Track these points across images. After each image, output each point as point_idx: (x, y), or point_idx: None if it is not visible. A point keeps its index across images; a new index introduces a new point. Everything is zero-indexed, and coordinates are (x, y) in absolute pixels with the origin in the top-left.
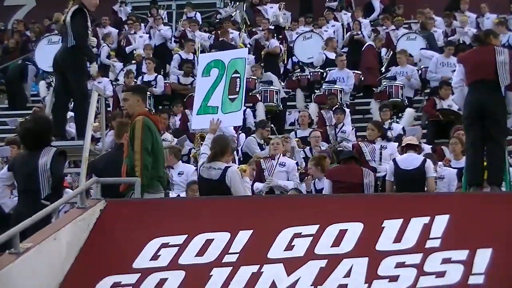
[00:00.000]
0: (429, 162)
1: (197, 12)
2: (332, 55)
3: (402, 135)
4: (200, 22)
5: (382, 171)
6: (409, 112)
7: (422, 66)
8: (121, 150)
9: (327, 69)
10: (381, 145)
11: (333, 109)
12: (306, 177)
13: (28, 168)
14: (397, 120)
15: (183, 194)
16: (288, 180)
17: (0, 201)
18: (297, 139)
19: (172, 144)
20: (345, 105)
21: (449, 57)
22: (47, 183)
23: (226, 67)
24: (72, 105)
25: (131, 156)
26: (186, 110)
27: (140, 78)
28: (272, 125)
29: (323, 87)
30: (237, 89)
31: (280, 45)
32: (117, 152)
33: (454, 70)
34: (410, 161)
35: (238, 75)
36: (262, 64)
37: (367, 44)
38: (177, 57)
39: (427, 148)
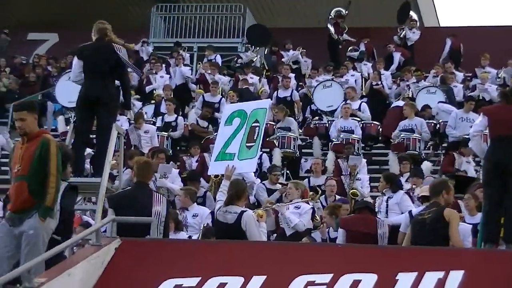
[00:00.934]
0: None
1: (218, 55)
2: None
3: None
4: (220, 65)
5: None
6: (426, 165)
7: (440, 120)
8: (142, 188)
9: (335, 118)
10: (388, 197)
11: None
12: (321, 225)
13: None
14: None
15: (195, 236)
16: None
17: None
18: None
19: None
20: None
21: (469, 113)
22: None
23: (248, 116)
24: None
25: (37, 175)
26: (205, 153)
27: (160, 118)
28: (287, 171)
29: (340, 136)
30: (255, 137)
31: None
32: (138, 190)
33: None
34: None
35: (258, 124)
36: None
37: (395, 105)
38: (200, 98)
39: None
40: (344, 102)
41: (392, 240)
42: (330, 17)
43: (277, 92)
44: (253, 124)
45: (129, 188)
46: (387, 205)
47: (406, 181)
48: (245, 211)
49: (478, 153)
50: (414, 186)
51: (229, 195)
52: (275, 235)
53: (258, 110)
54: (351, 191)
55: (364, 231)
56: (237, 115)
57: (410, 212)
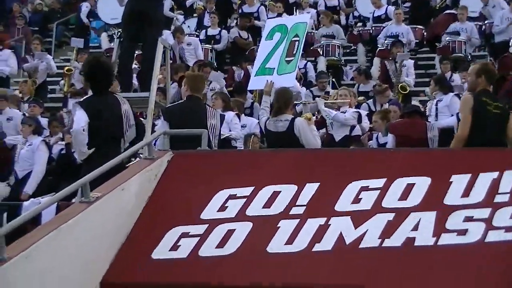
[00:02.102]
0: None
1: None
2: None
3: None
4: None
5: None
6: None
7: (486, 22)
8: (196, 102)
9: (387, 23)
10: (437, 100)
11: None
12: (363, 136)
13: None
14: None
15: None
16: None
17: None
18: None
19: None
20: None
21: None
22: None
23: (288, 31)
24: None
25: None
26: (248, 66)
27: (203, 32)
28: (333, 79)
29: (386, 41)
30: (294, 52)
31: None
32: (192, 103)
33: None
34: None
35: (298, 38)
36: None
37: (447, 12)
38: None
39: None
40: (395, 7)
41: (442, 143)
42: None
43: (325, 1)
44: (293, 39)
45: (182, 101)
46: (436, 108)
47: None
48: (296, 117)
49: None
50: (464, 80)
51: (276, 105)
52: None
53: (299, 24)
54: (399, 85)
55: (413, 135)
56: (278, 30)
57: (457, 114)
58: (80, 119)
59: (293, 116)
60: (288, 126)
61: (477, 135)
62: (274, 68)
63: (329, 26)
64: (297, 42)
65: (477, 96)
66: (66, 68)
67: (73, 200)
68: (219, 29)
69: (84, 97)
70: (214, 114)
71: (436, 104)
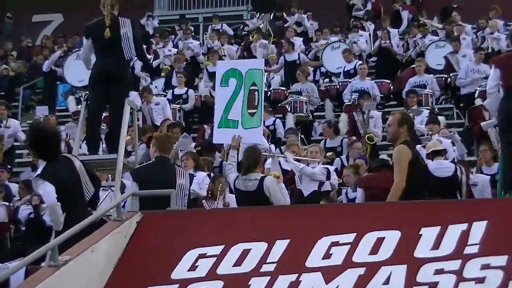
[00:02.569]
0: (462, 170)
1: (224, 24)
2: (350, 66)
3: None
4: (231, 34)
5: None
6: (441, 120)
7: (451, 74)
8: (165, 162)
9: (353, 79)
10: None
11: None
12: (332, 192)
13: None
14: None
15: None
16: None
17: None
18: (331, 152)
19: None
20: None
21: (480, 64)
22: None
23: (243, 78)
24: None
25: None
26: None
27: (170, 91)
28: (302, 136)
29: (352, 97)
30: (256, 103)
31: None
32: (161, 164)
33: (485, 77)
34: (443, 168)
35: (256, 87)
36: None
37: (412, 66)
38: (205, 71)
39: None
40: (360, 62)
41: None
42: None
43: (284, 57)
44: (251, 88)
45: (151, 162)
46: None
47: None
48: (265, 176)
49: (493, 111)
50: (430, 132)
51: (246, 163)
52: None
53: (254, 71)
54: (366, 136)
55: (383, 187)
56: (232, 75)
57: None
58: (49, 192)
59: (262, 175)
60: (258, 185)
61: (412, 186)
62: (238, 121)
63: (304, 82)
64: (256, 92)
65: (411, 147)
66: None
67: (42, 264)
68: (186, 88)
69: (40, 169)
70: (183, 174)
71: None
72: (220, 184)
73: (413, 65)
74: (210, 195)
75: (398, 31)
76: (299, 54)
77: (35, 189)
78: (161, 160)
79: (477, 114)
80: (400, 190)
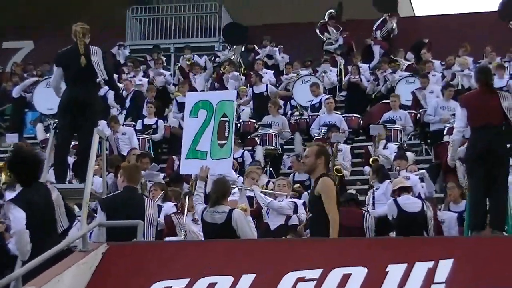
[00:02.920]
0: (429, 211)
1: (195, 55)
2: (316, 100)
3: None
4: (203, 65)
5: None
6: (408, 156)
7: (421, 110)
8: (133, 192)
9: (320, 112)
10: (375, 188)
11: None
12: (299, 226)
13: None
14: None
15: None
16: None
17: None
18: (298, 185)
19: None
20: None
21: (449, 100)
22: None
23: (214, 109)
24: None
25: None
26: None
27: (140, 121)
28: (270, 169)
29: (322, 131)
30: (226, 135)
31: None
32: (129, 194)
33: (453, 114)
34: (411, 204)
35: (227, 119)
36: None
37: (382, 101)
38: (174, 101)
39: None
40: (327, 96)
41: (379, 231)
42: (322, 21)
43: (253, 89)
44: (222, 119)
45: (119, 192)
46: (373, 196)
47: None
48: (233, 209)
49: (455, 149)
50: (398, 168)
51: (214, 195)
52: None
53: (225, 102)
54: (334, 167)
55: (350, 225)
56: (202, 107)
57: (395, 201)
58: (19, 217)
59: (230, 208)
60: (226, 218)
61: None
62: (207, 152)
63: (275, 115)
64: (227, 123)
65: (333, 179)
66: (1, 164)
67: None
68: (156, 119)
69: (16, 193)
70: (152, 204)
71: (373, 193)
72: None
73: (384, 101)
74: (179, 211)
75: (369, 66)
76: (267, 85)
77: (6, 213)
78: (130, 190)
79: (443, 150)
80: (338, 224)
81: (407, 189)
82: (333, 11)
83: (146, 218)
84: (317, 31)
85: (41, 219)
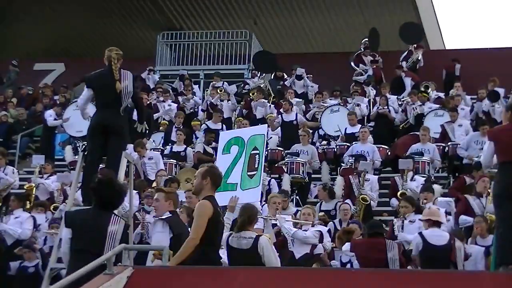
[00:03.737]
0: (458, 242)
1: (225, 82)
2: (352, 130)
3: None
4: (230, 93)
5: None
6: (436, 188)
7: (449, 143)
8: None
9: (353, 143)
10: (409, 220)
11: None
12: (322, 254)
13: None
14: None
15: None
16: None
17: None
18: (322, 213)
19: None
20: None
21: (484, 136)
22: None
23: (245, 144)
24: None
25: None
26: None
27: (169, 147)
28: (297, 197)
29: (349, 160)
30: (256, 166)
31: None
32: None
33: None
34: (438, 237)
35: (258, 151)
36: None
37: (411, 133)
38: (204, 127)
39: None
40: (361, 126)
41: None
42: (358, 51)
43: (282, 117)
44: (252, 152)
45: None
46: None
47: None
48: (260, 235)
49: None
50: (425, 201)
51: (241, 220)
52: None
53: (256, 136)
54: (360, 196)
55: (373, 256)
56: (235, 143)
57: (421, 234)
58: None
59: (257, 234)
60: (253, 243)
61: (211, 244)
62: (237, 184)
63: (305, 144)
64: (257, 155)
65: (214, 203)
66: (27, 185)
67: None
68: (185, 146)
69: (75, 209)
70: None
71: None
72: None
73: (412, 132)
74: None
75: (397, 97)
76: (296, 114)
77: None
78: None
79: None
80: (192, 247)
81: (437, 224)
82: (367, 40)
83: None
84: (352, 63)
85: (86, 243)
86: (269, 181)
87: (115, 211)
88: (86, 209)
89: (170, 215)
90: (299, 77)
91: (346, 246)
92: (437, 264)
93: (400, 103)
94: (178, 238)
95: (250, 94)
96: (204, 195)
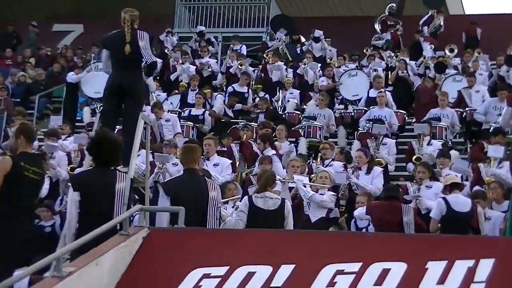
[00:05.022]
0: (480, 209)
1: (243, 45)
2: (375, 94)
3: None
4: (245, 55)
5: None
6: (453, 154)
7: (466, 108)
8: (193, 174)
9: (370, 107)
10: (426, 185)
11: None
12: (341, 219)
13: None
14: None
15: None
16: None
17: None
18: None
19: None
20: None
21: (503, 102)
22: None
23: None
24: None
25: None
26: (232, 144)
27: (187, 110)
28: (314, 161)
29: (366, 125)
30: None
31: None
32: (190, 176)
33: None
34: (461, 203)
35: None
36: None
37: (419, 83)
38: (230, 89)
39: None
40: (378, 91)
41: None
42: (382, 15)
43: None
44: None
45: (180, 175)
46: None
47: None
48: (284, 198)
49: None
50: (441, 166)
51: (262, 183)
52: None
53: None
54: (376, 160)
55: (388, 219)
56: None
57: (445, 199)
58: (71, 199)
59: (282, 197)
60: (280, 205)
61: (10, 199)
62: None
63: (323, 108)
64: None
65: (16, 160)
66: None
67: (46, 274)
68: (203, 109)
69: (79, 171)
70: (215, 186)
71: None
72: (230, 191)
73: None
74: None
75: (415, 63)
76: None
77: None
78: (190, 172)
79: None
80: None
81: (458, 186)
82: (394, 5)
83: (209, 200)
84: (377, 26)
85: (96, 206)
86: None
87: (119, 168)
88: (90, 170)
89: None
90: (317, 39)
91: (361, 210)
92: (457, 230)
93: (419, 63)
94: None
95: (265, 57)
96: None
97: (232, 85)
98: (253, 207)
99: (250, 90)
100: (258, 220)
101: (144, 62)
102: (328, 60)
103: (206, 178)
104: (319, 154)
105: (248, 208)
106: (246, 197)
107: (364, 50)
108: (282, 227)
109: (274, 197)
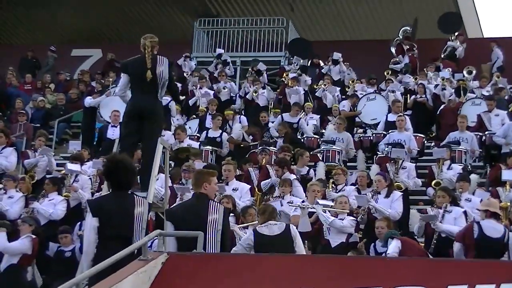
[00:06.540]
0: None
1: (262, 64)
2: (394, 118)
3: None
4: (266, 81)
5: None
6: (473, 178)
7: (486, 132)
8: (200, 199)
9: (389, 131)
10: (445, 210)
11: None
12: (360, 244)
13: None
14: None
15: None
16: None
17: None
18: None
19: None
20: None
21: None
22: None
23: None
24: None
25: None
26: (250, 168)
27: (204, 133)
28: (333, 186)
29: (385, 149)
30: None
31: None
32: (196, 201)
33: None
34: (494, 228)
35: None
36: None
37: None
38: (279, 118)
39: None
40: (398, 114)
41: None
42: (396, 38)
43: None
44: None
45: (106, 194)
46: (443, 216)
47: None
48: (289, 224)
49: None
50: (461, 190)
51: (265, 216)
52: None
53: None
54: (395, 184)
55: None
56: None
57: (478, 223)
58: (89, 224)
59: (285, 223)
60: (285, 228)
61: None
62: None
63: (341, 132)
64: None
65: None
66: (63, 171)
67: None
68: (220, 131)
69: (97, 196)
70: (217, 208)
71: (444, 212)
72: (250, 216)
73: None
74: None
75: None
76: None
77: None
78: (196, 196)
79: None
80: None
81: (496, 216)
82: (408, 29)
83: (208, 223)
84: (393, 49)
85: (115, 230)
86: (309, 170)
87: (137, 193)
88: (108, 195)
89: None
90: (336, 62)
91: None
92: (490, 255)
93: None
94: None
95: (284, 80)
96: None
97: (282, 115)
98: (259, 236)
99: (301, 119)
100: (266, 246)
101: (159, 92)
102: (350, 82)
103: (210, 202)
104: (331, 180)
105: (254, 238)
106: (250, 231)
107: (385, 73)
108: (292, 250)
109: (278, 223)
